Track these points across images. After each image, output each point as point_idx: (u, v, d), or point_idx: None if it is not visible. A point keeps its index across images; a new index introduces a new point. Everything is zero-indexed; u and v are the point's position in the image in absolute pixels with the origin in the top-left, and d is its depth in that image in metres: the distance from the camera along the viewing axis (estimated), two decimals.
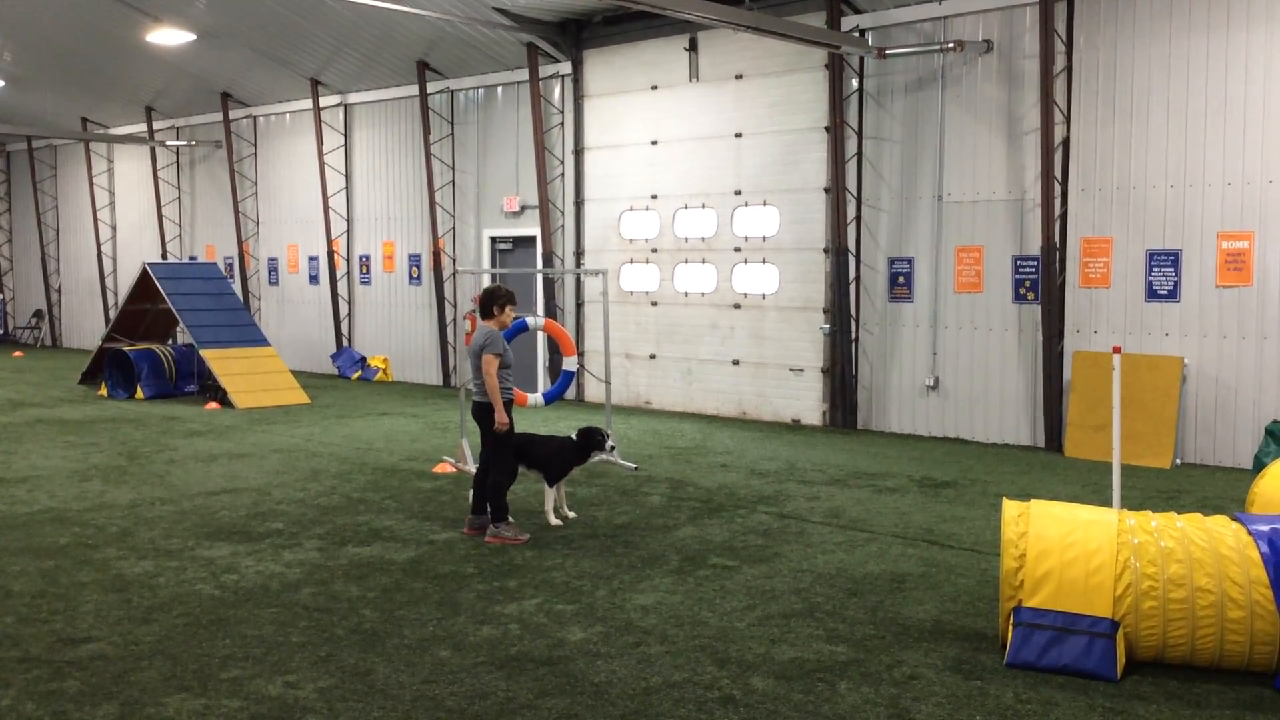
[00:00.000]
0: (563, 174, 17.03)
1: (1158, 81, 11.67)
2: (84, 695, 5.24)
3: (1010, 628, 5.67)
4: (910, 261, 13.54)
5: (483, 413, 8.34)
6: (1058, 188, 12.26)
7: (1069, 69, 12.18)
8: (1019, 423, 12.78)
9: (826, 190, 14.08)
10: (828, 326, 14.16)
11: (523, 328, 11.67)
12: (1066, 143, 12.24)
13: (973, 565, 7.59)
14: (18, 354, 25.91)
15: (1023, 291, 12.66)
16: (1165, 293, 11.72)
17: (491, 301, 8.44)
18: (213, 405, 16.10)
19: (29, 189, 28.68)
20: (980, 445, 12.81)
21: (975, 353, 13.09)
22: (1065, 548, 5.63)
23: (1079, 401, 12.08)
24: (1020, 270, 12.67)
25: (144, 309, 18.22)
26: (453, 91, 18.58)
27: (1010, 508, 5.87)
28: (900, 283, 13.64)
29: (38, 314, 28.94)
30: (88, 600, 6.73)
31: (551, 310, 17.05)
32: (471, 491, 8.70)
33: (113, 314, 24.62)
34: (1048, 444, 12.44)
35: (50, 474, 10.81)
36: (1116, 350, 7.52)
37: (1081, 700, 5.22)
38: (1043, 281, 12.37)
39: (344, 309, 20.88)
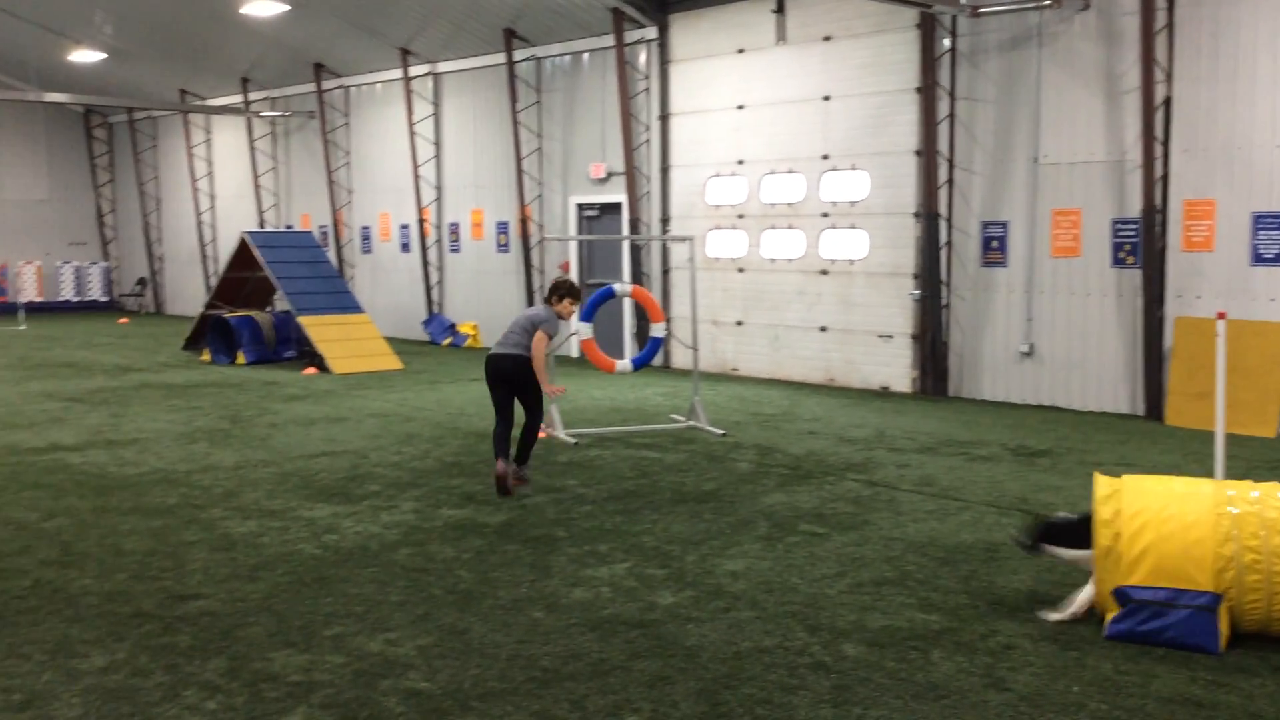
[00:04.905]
0: (648, 140, 17.00)
1: (1264, 37, 11.21)
2: (194, 649, 5.45)
3: (1109, 602, 5.58)
4: (1004, 225, 13.27)
5: (518, 366, 8.76)
6: (1159, 148, 11.89)
7: (1170, 25, 11.77)
8: (1117, 390, 12.49)
9: (917, 153, 13.84)
10: (918, 292, 13.97)
11: (609, 294, 11.72)
12: (1168, 102, 11.85)
13: None
14: (123, 320, 26.82)
15: (1122, 255, 12.33)
16: (1271, 256, 11.32)
17: (554, 292, 9.21)
18: (310, 370, 16.50)
19: (130, 160, 29.55)
20: (1077, 413, 12.56)
21: (1072, 318, 12.80)
22: (1161, 522, 5.51)
23: (1180, 368, 11.76)
24: (1119, 234, 12.34)
25: (243, 277, 18.69)
26: (539, 59, 18.64)
27: (1102, 485, 5.74)
28: (994, 247, 13.38)
29: (141, 281, 29.89)
30: (196, 558, 6.99)
31: (638, 277, 17.09)
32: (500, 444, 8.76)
33: (213, 281, 25.31)
34: (1148, 412, 12.14)
35: (157, 436, 11.21)
36: (1221, 316, 7.31)
37: (1182, 672, 5.13)
38: (1143, 245, 12.03)
39: (434, 276, 21.19)
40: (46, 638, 5.59)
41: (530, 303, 19.09)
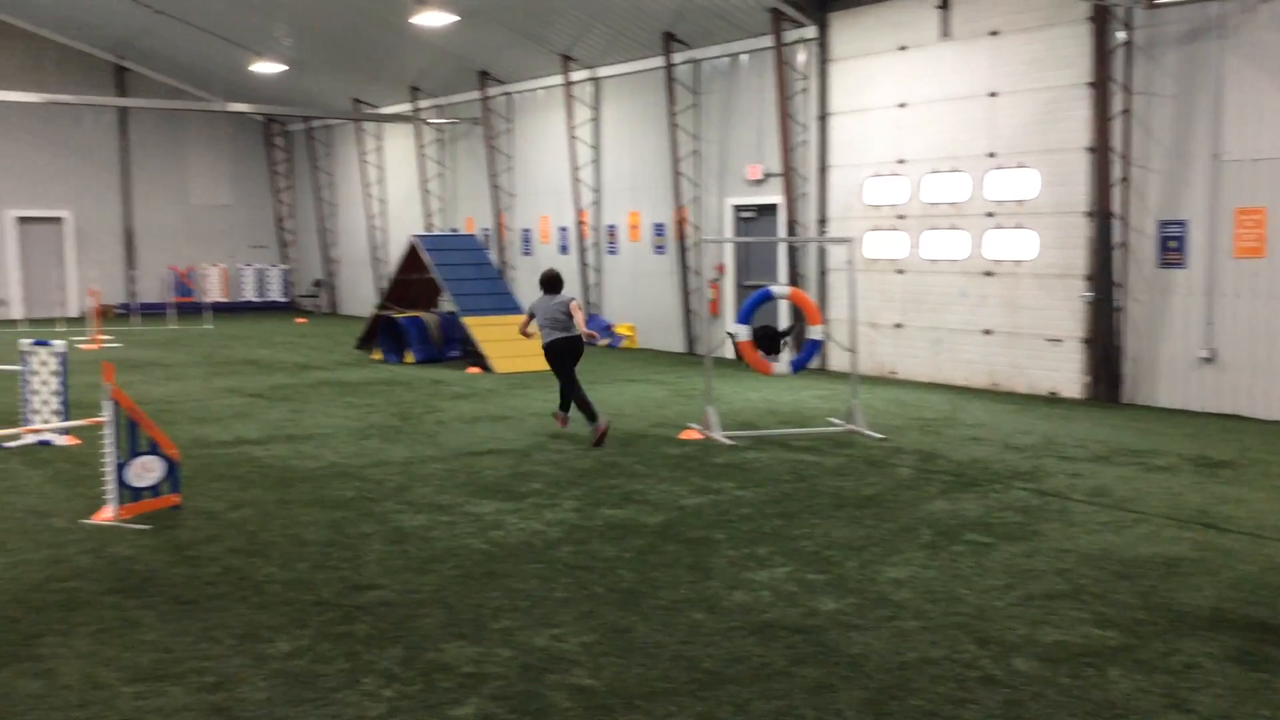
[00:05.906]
0: (806, 140, 16.87)
1: None
2: (372, 638, 5.68)
3: None
4: (1183, 225, 12.68)
5: (579, 341, 11.13)
6: None
7: None
8: None
9: (1090, 150, 13.35)
10: (1090, 294, 13.46)
11: (767, 296, 11.68)
12: None
13: (1255, 551, 7.10)
14: (301, 320, 28.12)
15: None
16: None
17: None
18: (474, 370, 16.98)
19: (307, 166, 30.97)
20: (1262, 422, 11.90)
21: (1257, 322, 12.14)
22: None
23: None
24: None
25: (412, 279, 19.34)
26: (697, 61, 18.71)
27: None
28: (1172, 247, 12.79)
29: (317, 283, 31.29)
30: (372, 550, 7.28)
31: (795, 278, 16.99)
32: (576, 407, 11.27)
33: (384, 283, 26.29)
34: None
35: (334, 431, 11.72)
36: None
37: None
38: None
39: (592, 278, 21.51)
40: (235, 623, 5.93)
41: (686, 304, 19.20)
